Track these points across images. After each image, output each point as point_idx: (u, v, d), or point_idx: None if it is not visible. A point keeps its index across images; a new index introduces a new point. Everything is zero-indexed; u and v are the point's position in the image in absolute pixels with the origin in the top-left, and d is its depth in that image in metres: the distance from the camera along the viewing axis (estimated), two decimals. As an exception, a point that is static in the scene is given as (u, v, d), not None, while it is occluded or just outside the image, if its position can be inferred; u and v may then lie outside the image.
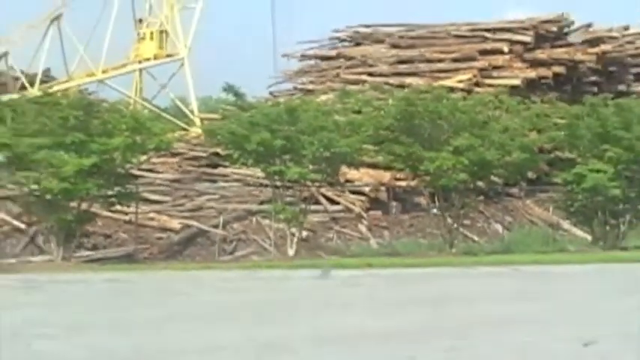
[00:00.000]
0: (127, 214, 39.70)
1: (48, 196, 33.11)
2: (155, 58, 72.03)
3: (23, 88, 61.91)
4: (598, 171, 36.69)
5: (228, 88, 37.45)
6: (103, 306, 21.27)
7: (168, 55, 71.87)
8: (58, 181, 32.05)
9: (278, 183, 36.51)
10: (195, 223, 40.05)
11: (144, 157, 37.69)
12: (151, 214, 40.45)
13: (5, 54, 69.51)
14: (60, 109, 33.97)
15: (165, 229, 39.74)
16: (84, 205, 34.29)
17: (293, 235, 36.05)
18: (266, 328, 16.96)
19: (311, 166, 35.46)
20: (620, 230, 39.04)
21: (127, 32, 73.45)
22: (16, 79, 66.57)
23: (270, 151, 34.94)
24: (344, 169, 39.39)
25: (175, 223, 39.81)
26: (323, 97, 42.99)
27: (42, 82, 67.08)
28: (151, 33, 72.69)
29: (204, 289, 26.46)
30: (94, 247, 37.71)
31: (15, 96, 41.87)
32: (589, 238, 40.75)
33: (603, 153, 37.14)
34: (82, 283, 27.53)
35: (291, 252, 35.84)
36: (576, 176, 37.37)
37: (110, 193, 35.09)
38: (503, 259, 33.30)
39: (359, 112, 37.72)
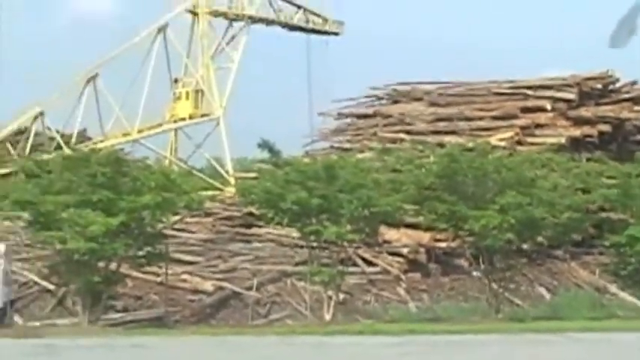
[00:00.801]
0: (158, 275, 37.73)
1: (75, 257, 31.02)
2: (190, 117, 71.14)
3: (59, 147, 60.58)
4: (653, 233, 33.77)
5: (263, 144, 35.98)
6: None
7: (203, 115, 71.13)
8: (84, 241, 30.00)
9: (314, 244, 34.41)
10: (228, 285, 38.06)
11: (176, 217, 36.75)
12: (184, 276, 38.53)
13: (41, 114, 68.59)
14: (87, 165, 31.95)
15: (197, 291, 37.78)
16: (112, 266, 32.37)
17: (330, 298, 33.86)
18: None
19: (349, 226, 33.06)
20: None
21: (163, 92, 72.81)
22: (52, 139, 65.57)
23: (306, 210, 32.86)
24: (382, 229, 37.83)
25: (208, 285, 37.88)
26: (360, 156, 40.85)
27: (77, 141, 65.96)
28: (187, 92, 72.01)
29: (236, 356, 24.44)
30: (124, 310, 35.56)
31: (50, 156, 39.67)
32: (639, 302, 38.15)
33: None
34: (105, 348, 25.80)
35: (327, 316, 33.71)
36: (629, 238, 35.00)
37: (140, 253, 33.13)
38: (552, 326, 31.00)
39: (398, 170, 35.95)
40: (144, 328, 31.82)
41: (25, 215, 32.94)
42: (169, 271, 37.40)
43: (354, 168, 34.04)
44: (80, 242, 30.01)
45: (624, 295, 38.91)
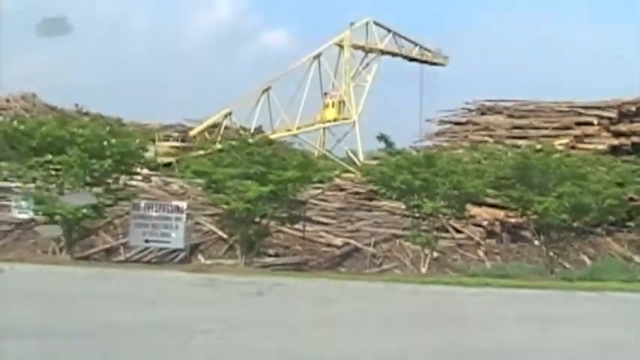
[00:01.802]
0: (302, 231, 36.11)
1: (236, 215, 29.43)
2: (335, 120, 71.73)
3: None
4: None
5: (381, 137, 33.73)
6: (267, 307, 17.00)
7: (344, 119, 71.41)
8: (242, 203, 28.23)
9: (417, 215, 32.21)
10: (352, 241, 36.31)
11: (317, 190, 36.36)
12: (320, 233, 36.89)
13: (230, 113, 69.11)
14: (247, 147, 30.33)
15: (329, 245, 35.97)
16: (264, 223, 30.39)
17: (426, 256, 31.74)
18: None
19: (442, 202, 30.92)
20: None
21: (316, 101, 72.83)
22: (238, 132, 65.44)
23: (410, 188, 30.71)
24: (468, 206, 35.54)
25: (338, 241, 36.15)
26: (454, 151, 38.82)
27: (254, 134, 65.48)
28: (333, 102, 72.21)
29: (350, 297, 22.61)
30: (276, 255, 33.66)
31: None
32: None
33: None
34: (252, 285, 23.56)
35: (423, 269, 31.53)
36: None
37: (284, 214, 31.07)
38: (593, 285, 28.71)
39: (482, 162, 33.64)
40: (286, 271, 29.65)
41: (202, 182, 31.26)
42: (310, 229, 36.40)
43: (448, 159, 31.93)
44: (239, 204, 28.34)
45: None
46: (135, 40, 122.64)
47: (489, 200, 36.24)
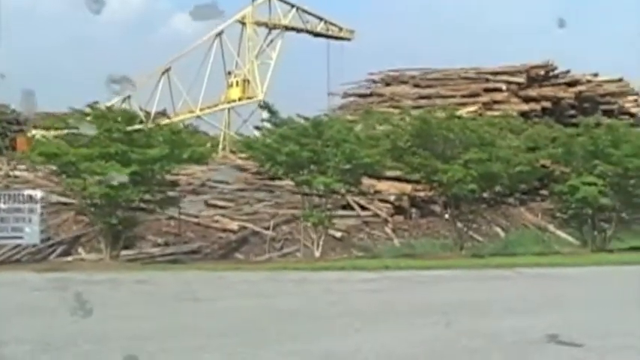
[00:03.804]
0: (197, 216, 32.89)
1: (95, 202, 24.55)
2: (239, 99, 69.00)
3: (141, 122, 57.30)
4: (590, 184, 28.29)
5: (263, 105, 29.33)
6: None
7: (249, 98, 68.23)
8: (101, 188, 23.37)
9: (313, 192, 27.52)
10: (250, 225, 32.66)
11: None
12: (216, 217, 33.32)
13: (129, 97, 63.68)
14: (105, 122, 24.82)
15: (225, 230, 32.25)
16: (130, 211, 25.69)
17: (319, 237, 27.08)
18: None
19: (335, 176, 26.08)
20: (607, 235, 30.41)
21: (219, 81, 70.17)
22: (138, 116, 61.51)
23: (298, 162, 26.17)
24: (372, 181, 32.81)
25: (234, 225, 32.38)
26: (347, 117, 34.66)
27: (156, 117, 61.40)
28: (237, 81, 69.39)
29: (221, 293, 17.92)
30: (166, 244, 29.75)
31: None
32: (570, 238, 33.00)
33: (594, 168, 28.80)
34: (112, 283, 19.26)
35: (317, 253, 26.88)
36: (570, 188, 28.90)
37: (152, 198, 25.93)
38: (507, 262, 25.02)
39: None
40: (157, 264, 25.37)
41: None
42: (206, 213, 33.36)
43: (339, 126, 27.11)
44: (98, 189, 23.55)
45: (560, 233, 34.16)
46: (45, 26, 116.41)
47: (390, 173, 32.56)
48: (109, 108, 25.74)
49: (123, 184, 22.99)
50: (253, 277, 21.21)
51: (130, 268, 22.95)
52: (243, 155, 37.10)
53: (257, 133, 30.40)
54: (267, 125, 28.42)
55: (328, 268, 22.97)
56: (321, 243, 26.82)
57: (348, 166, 25.89)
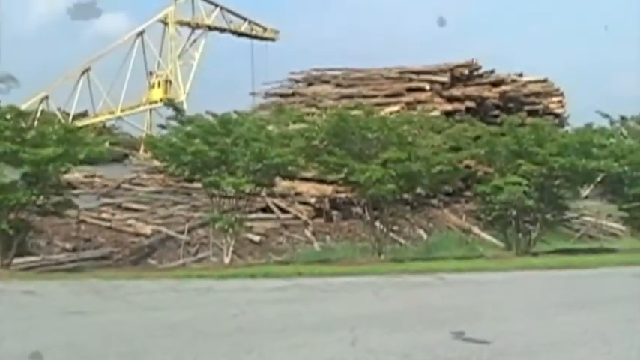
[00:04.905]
0: (110, 220, 31.95)
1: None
2: (161, 100, 65.02)
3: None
4: (514, 184, 26.89)
5: (168, 103, 27.44)
6: None
7: (171, 99, 63.61)
8: (-13, 191, 20.94)
9: (218, 193, 25.53)
10: (164, 228, 31.61)
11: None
12: (129, 221, 32.27)
13: (46, 97, 63.04)
14: None
15: (138, 234, 31.15)
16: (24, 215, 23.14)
17: (228, 242, 25.14)
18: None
19: (246, 177, 24.11)
20: (532, 237, 29.11)
21: (140, 81, 68.90)
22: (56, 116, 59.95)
23: (205, 162, 24.15)
24: (292, 183, 32.91)
25: (147, 229, 31.29)
26: (259, 113, 33.04)
27: (75, 118, 59.93)
28: (159, 82, 68.00)
29: (110, 305, 15.81)
30: (74, 250, 28.13)
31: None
32: (495, 240, 32.70)
33: (518, 168, 27.46)
34: None
35: (226, 260, 24.90)
36: (494, 188, 27.55)
37: (48, 202, 23.56)
38: (428, 267, 23.27)
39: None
40: (54, 272, 23.34)
41: None
42: (119, 217, 32.42)
43: (249, 124, 25.05)
44: (-20, 191, 20.96)
45: (484, 235, 34.06)
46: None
47: (310, 174, 31.54)
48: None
49: (13, 185, 20.93)
50: (153, 286, 19.26)
51: (22, 277, 20.75)
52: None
53: (162, 132, 28.34)
54: (173, 124, 26.37)
55: (237, 276, 21.09)
56: (230, 248, 24.93)
57: (258, 166, 24.04)
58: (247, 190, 24.56)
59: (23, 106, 58.38)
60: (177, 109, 26.26)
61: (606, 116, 31.81)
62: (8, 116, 22.19)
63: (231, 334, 12.18)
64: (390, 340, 11.61)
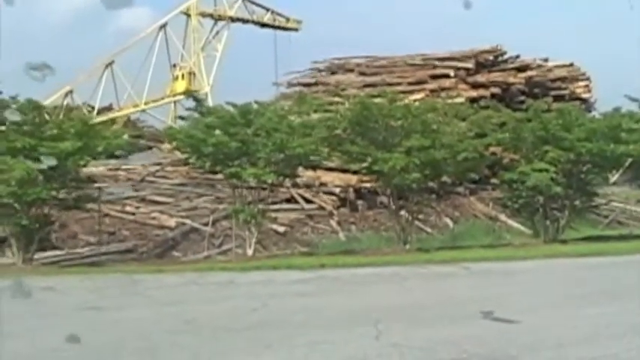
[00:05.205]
0: (134, 213, 31.46)
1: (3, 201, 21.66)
2: (185, 93, 64.23)
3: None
4: (541, 170, 26.13)
5: (187, 93, 27.08)
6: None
7: (195, 91, 63.47)
8: (6, 186, 20.75)
9: (240, 184, 25.09)
10: (188, 221, 30.98)
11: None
12: (153, 214, 31.65)
13: (71, 91, 63.06)
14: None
15: (163, 227, 30.51)
16: (45, 209, 22.92)
17: (251, 234, 24.72)
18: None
19: (268, 168, 23.64)
20: (560, 225, 28.29)
21: (164, 74, 67.60)
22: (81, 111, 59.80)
23: (227, 153, 23.67)
24: (316, 173, 32.10)
25: (171, 222, 30.71)
26: (281, 103, 32.48)
27: (100, 112, 60.03)
28: (182, 74, 66.62)
29: (129, 301, 15.40)
30: (99, 244, 27.69)
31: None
32: (522, 227, 31.88)
33: (545, 154, 26.69)
34: (10, 291, 16.50)
35: (249, 252, 24.52)
36: (521, 175, 26.78)
37: (69, 196, 23.37)
38: (453, 256, 22.64)
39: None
40: (75, 267, 22.85)
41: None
42: (143, 210, 31.84)
43: (270, 114, 24.53)
44: (2, 188, 20.83)
45: (511, 223, 33.31)
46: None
47: (333, 164, 30.53)
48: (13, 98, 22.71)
49: (32, 180, 20.63)
50: (175, 280, 18.89)
51: (43, 273, 20.45)
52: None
53: (183, 124, 27.89)
54: (194, 115, 25.90)
55: (259, 268, 20.75)
56: (254, 240, 24.53)
57: (280, 157, 23.62)
58: (270, 181, 24.10)
59: (47, 101, 59.68)
60: (197, 100, 25.88)
61: (635, 100, 30.78)
62: (25, 111, 21.81)
63: (251, 329, 11.83)
64: (414, 335, 11.17)
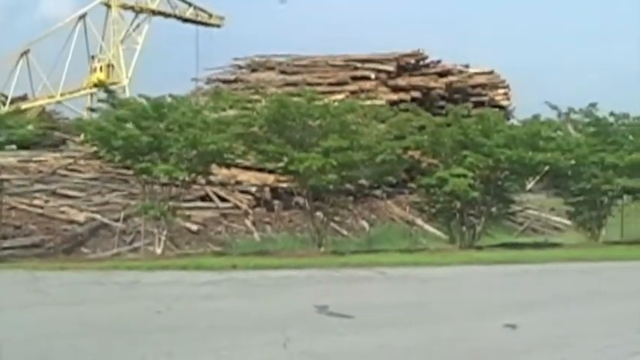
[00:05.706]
0: (42, 207, 30.85)
1: None
2: (100, 85, 63.42)
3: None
4: (459, 176, 25.79)
5: (99, 83, 26.16)
6: None
7: (113, 83, 62.32)
8: None
9: (153, 180, 24.09)
10: (98, 216, 30.50)
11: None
12: (62, 208, 31.02)
13: None
14: None
15: (72, 222, 29.84)
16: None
17: (160, 232, 23.70)
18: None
19: (181, 164, 22.67)
20: (476, 231, 28.06)
21: (82, 65, 66.50)
22: None
23: (137, 147, 22.63)
24: (232, 171, 31.91)
25: (81, 216, 30.14)
26: (196, 98, 31.78)
27: (14, 102, 58.58)
28: (101, 66, 65.42)
29: (23, 300, 14.32)
30: (3, 238, 26.33)
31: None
32: (438, 232, 32.04)
33: (463, 159, 26.44)
34: None
35: (158, 250, 23.50)
36: (439, 180, 26.35)
37: None
38: (369, 260, 21.90)
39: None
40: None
41: None
42: (52, 204, 31.26)
43: (185, 109, 23.64)
44: None
45: (428, 227, 33.43)
46: None
47: (251, 163, 29.94)
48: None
49: None
50: (77, 278, 17.94)
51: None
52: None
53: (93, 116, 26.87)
54: (104, 107, 24.87)
55: (168, 267, 19.81)
56: (163, 238, 23.57)
57: (193, 153, 22.71)
58: (182, 178, 23.23)
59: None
60: (109, 92, 24.85)
61: (555, 108, 30.93)
62: None
63: (153, 334, 11.13)
64: (327, 343, 10.64)
